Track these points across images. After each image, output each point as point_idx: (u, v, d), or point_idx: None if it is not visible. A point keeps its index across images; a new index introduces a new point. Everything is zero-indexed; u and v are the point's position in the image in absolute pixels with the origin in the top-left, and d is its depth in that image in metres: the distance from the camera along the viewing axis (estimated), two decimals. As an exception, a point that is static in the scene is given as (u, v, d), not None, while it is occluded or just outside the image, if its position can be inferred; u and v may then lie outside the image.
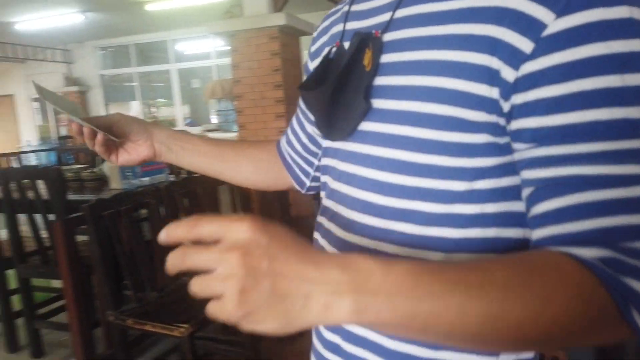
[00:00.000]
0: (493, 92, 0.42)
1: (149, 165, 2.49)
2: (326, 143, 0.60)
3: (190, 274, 0.37)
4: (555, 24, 0.38)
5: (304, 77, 0.67)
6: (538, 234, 0.41)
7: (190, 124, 8.80)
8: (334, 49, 0.58)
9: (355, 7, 0.57)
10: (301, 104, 0.71)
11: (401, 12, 0.49)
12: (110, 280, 1.97)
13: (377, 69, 0.49)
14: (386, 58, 0.49)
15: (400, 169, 0.47)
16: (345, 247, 0.53)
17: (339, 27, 0.59)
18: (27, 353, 2.43)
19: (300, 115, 0.73)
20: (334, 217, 0.56)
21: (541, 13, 0.39)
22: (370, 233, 0.50)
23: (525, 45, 0.40)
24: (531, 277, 0.36)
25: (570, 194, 0.38)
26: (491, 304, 0.35)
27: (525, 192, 0.42)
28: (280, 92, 3.57)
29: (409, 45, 0.47)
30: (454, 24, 0.44)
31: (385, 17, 0.51)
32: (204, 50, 8.57)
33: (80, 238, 2.18)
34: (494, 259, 0.40)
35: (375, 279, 0.35)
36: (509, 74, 0.41)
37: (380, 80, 0.49)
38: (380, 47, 0.49)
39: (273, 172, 0.79)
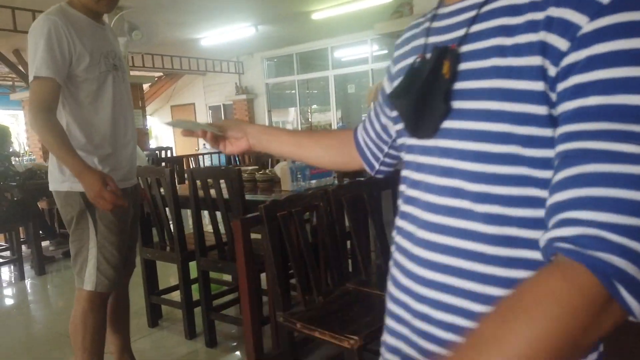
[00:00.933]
0: (547, 89, 0.49)
1: (317, 169, 2.50)
2: (409, 141, 0.66)
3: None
4: (587, 26, 0.45)
5: (385, 79, 0.80)
6: (548, 203, 0.46)
7: (341, 128, 9.01)
8: (417, 60, 0.65)
9: (436, 24, 0.64)
10: (380, 98, 0.83)
11: (475, 28, 0.56)
12: (281, 281, 1.99)
13: (456, 76, 0.56)
14: (464, 66, 0.56)
15: (479, 158, 0.54)
16: (430, 227, 0.61)
17: (420, 41, 0.67)
18: (201, 341, 2.61)
19: (378, 108, 0.84)
20: (418, 203, 0.63)
21: (577, 18, 0.46)
22: (454, 214, 0.58)
23: (562, 44, 0.47)
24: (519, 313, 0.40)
25: (571, 167, 0.44)
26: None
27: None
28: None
29: (482, 54, 0.54)
30: (519, 35, 0.51)
31: (461, 32, 0.58)
32: (361, 55, 8.68)
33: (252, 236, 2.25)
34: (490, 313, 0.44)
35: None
36: (552, 71, 0.48)
37: (459, 85, 0.56)
38: (457, 58, 0.57)
39: (343, 156, 0.93)
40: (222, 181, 2.38)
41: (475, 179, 0.55)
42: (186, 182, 2.63)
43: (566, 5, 0.47)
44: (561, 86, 0.47)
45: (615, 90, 0.43)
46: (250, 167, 3.18)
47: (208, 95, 11.47)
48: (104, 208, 1.71)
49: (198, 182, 2.47)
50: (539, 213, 0.51)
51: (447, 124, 0.57)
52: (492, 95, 0.52)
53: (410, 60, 0.67)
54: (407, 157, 0.68)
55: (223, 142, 0.97)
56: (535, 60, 0.49)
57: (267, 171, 2.85)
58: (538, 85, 0.49)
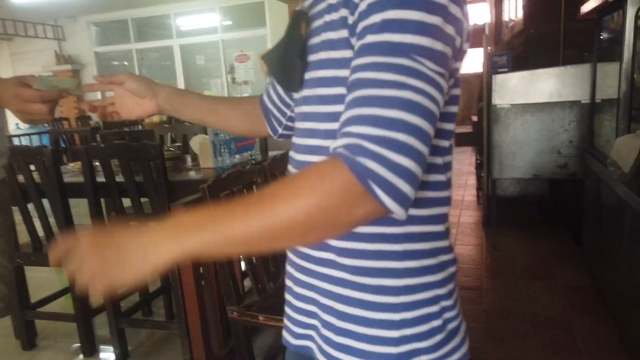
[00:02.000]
0: (349, 34, 0.58)
1: (241, 142, 2.21)
2: (296, 95, 0.74)
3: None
4: None
5: None
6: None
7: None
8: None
9: None
10: None
11: None
12: (231, 272, 1.72)
13: (309, 35, 0.65)
14: (312, 25, 0.64)
15: (324, 100, 0.63)
16: (297, 164, 0.70)
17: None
18: (103, 355, 2.16)
19: None
20: (294, 147, 0.72)
21: None
22: (309, 150, 0.67)
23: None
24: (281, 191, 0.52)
25: (351, 92, 0.53)
26: (251, 222, 0.50)
27: None
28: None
29: (318, 15, 0.63)
30: None
31: None
32: (209, 25, 8.14)
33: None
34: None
35: (183, 222, 0.52)
36: (350, 20, 0.57)
37: (310, 42, 0.64)
38: (308, 20, 0.65)
39: (257, 123, 0.92)
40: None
41: (324, 119, 0.63)
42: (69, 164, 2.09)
43: None
44: (354, 30, 0.56)
45: (382, 30, 0.51)
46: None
47: (17, 65, 9.55)
48: (42, 119, 1.03)
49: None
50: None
51: (306, 75, 0.66)
52: (324, 47, 0.61)
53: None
54: (295, 109, 0.75)
55: (114, 111, 0.91)
56: (342, 13, 0.58)
57: (169, 147, 2.45)
58: (344, 34, 0.58)
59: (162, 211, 1.87)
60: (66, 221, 2.03)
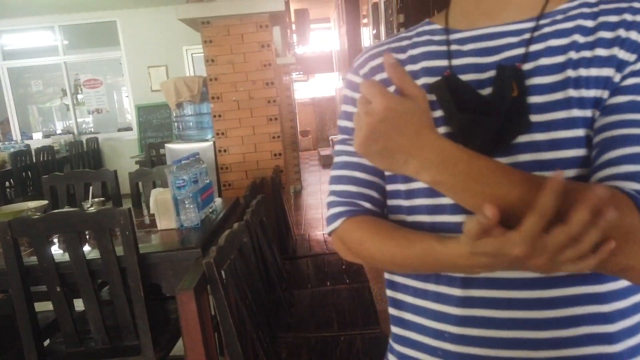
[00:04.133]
0: (608, 95, 0.58)
1: (205, 192, 1.82)
2: None
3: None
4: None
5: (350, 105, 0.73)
6: (600, 175, 0.57)
7: (24, 137, 7.12)
8: (445, 78, 0.65)
9: (458, 47, 0.67)
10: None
11: (534, 47, 0.62)
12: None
13: (526, 91, 0.60)
14: (532, 81, 0.60)
15: (570, 163, 0.59)
16: None
17: (436, 63, 0.68)
18: None
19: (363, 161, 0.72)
20: None
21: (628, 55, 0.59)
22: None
23: (630, 57, 0.57)
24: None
25: (619, 148, 0.55)
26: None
27: (595, 150, 0.58)
28: (272, 90, 3.01)
29: (552, 69, 0.59)
30: (585, 51, 0.59)
31: (516, 51, 0.63)
32: (47, 44, 6.99)
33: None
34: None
35: (457, 167, 0.52)
36: (617, 78, 0.57)
37: (531, 100, 0.59)
38: (522, 75, 0.60)
39: None
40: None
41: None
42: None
43: (634, 29, 0.58)
44: (615, 85, 0.57)
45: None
46: (34, 203, 2.07)
47: None
48: None
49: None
50: None
51: (523, 137, 0.59)
52: (568, 104, 0.58)
53: (423, 81, 0.67)
54: None
55: None
56: (607, 72, 0.57)
57: (92, 202, 1.92)
58: (605, 93, 0.58)
59: (136, 299, 1.43)
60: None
